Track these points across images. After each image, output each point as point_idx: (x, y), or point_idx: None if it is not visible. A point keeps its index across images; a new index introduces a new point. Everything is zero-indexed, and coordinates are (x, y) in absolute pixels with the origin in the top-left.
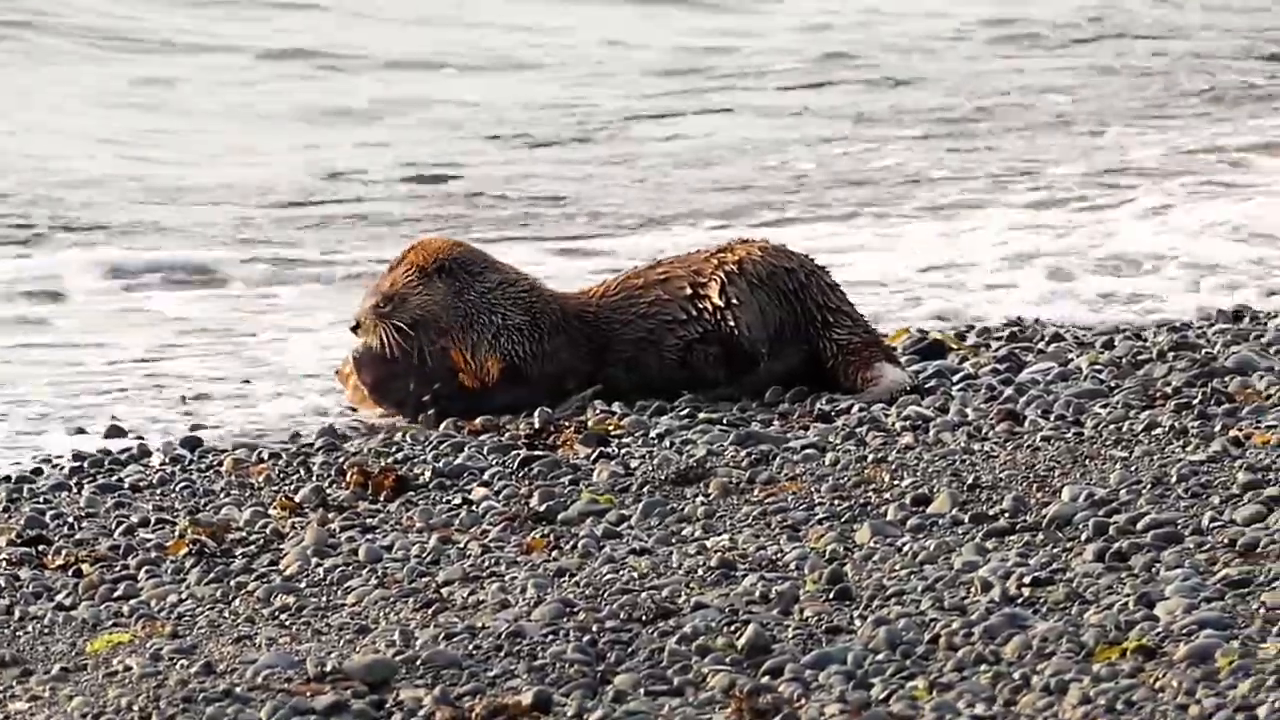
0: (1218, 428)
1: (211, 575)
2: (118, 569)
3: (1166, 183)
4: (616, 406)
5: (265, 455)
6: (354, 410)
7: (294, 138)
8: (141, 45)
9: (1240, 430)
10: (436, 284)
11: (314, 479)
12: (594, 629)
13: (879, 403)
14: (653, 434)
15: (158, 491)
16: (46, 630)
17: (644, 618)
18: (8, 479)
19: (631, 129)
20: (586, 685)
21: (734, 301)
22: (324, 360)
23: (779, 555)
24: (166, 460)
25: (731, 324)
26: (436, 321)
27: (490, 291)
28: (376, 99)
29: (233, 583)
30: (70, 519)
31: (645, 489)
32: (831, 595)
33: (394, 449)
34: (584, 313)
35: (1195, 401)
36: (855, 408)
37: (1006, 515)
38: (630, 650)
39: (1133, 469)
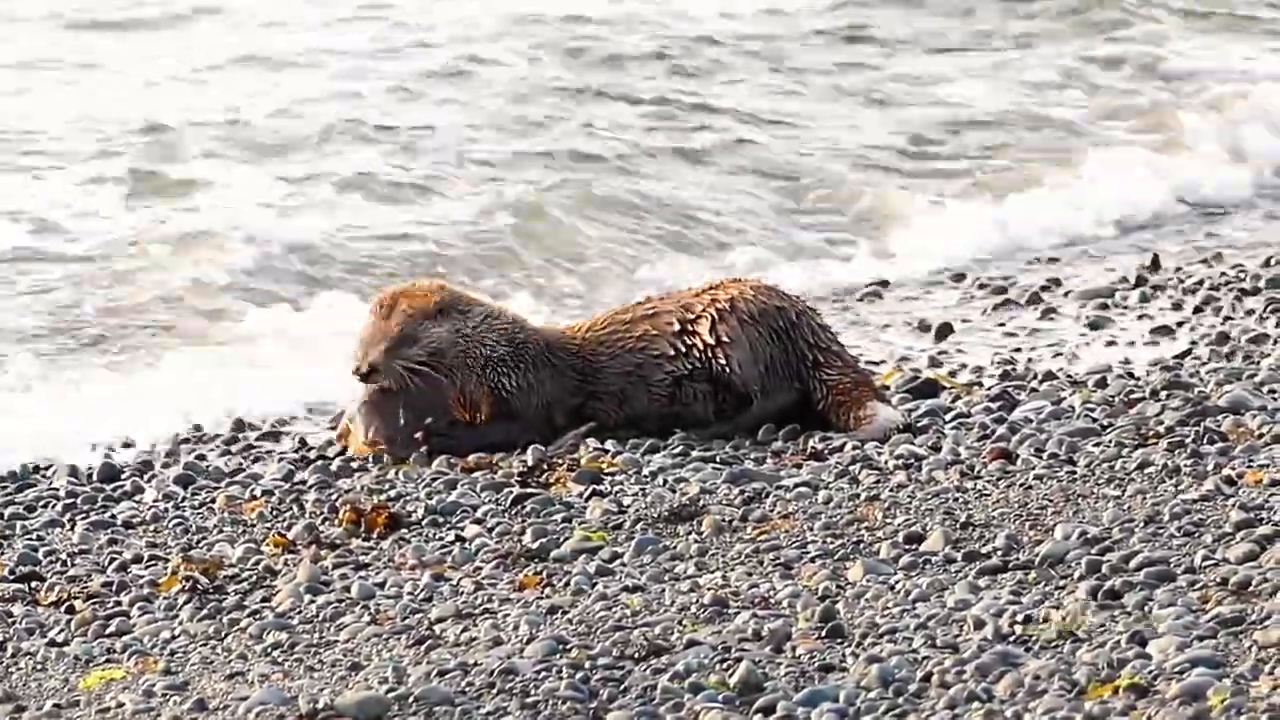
0: (1210, 466)
1: (204, 612)
2: (111, 605)
3: None
4: (610, 444)
5: (258, 492)
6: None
7: None
8: None
9: (1233, 469)
10: (442, 322)
11: (307, 516)
12: (587, 666)
13: (872, 441)
14: (646, 472)
15: (151, 528)
16: (39, 667)
17: (637, 655)
18: (0, 515)
19: None
20: None
21: (724, 339)
22: None
23: (772, 593)
24: (160, 497)
25: (722, 362)
26: (442, 359)
27: (478, 325)
28: None
29: (225, 619)
30: (63, 555)
31: (638, 526)
32: (824, 633)
33: (387, 486)
34: (568, 345)
35: (1188, 440)
36: (848, 446)
37: (999, 553)
38: (623, 687)
39: (1125, 507)
